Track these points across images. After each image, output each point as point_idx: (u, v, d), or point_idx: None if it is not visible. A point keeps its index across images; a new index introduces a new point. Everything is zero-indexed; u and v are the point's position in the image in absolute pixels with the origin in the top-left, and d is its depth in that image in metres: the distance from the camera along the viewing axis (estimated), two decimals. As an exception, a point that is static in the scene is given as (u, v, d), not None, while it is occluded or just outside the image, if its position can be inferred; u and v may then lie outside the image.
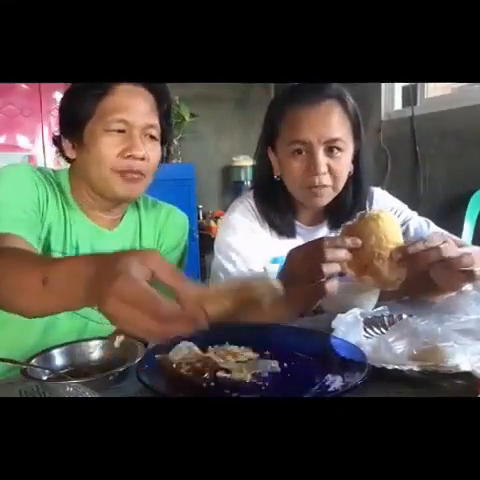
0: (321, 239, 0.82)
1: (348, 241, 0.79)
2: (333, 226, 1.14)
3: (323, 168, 0.98)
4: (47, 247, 0.96)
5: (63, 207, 0.99)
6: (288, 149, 1.01)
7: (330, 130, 0.98)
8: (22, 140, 3.37)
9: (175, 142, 4.00)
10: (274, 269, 1.14)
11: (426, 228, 1.09)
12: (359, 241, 0.79)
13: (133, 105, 0.94)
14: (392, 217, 0.84)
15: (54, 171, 1.03)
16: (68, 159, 1.01)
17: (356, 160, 1.08)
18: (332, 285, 0.79)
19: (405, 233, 1.08)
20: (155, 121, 0.97)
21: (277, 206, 1.11)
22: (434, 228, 1.08)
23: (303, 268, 0.82)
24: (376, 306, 0.92)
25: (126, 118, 0.92)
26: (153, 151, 0.97)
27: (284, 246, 1.13)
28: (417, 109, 2.99)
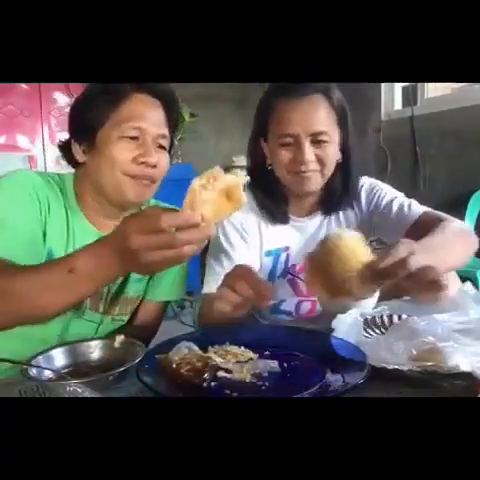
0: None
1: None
2: (324, 215, 1.17)
3: (310, 156, 1.03)
4: (49, 255, 0.96)
5: (66, 213, 0.99)
6: (277, 141, 1.06)
7: (316, 124, 1.02)
8: (22, 140, 3.37)
9: (175, 142, 4.01)
10: (267, 262, 1.15)
11: (407, 210, 1.09)
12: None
13: (148, 114, 0.97)
14: (354, 235, 0.82)
15: (59, 175, 1.03)
16: (75, 163, 1.02)
17: (344, 148, 1.11)
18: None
19: (387, 214, 1.10)
20: (165, 132, 1.00)
21: (270, 193, 1.15)
22: (416, 210, 1.08)
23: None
24: (376, 306, 0.92)
25: (141, 126, 0.95)
26: (163, 159, 0.99)
27: (277, 237, 1.15)
28: (417, 109, 2.99)
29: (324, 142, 1.03)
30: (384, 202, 1.12)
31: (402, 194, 1.15)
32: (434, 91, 3.03)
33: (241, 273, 0.79)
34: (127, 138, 0.94)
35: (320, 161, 1.04)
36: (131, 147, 0.95)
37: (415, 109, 2.99)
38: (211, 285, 1.09)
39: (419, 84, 3.04)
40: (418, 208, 1.08)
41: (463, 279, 1.02)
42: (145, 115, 0.96)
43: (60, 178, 1.02)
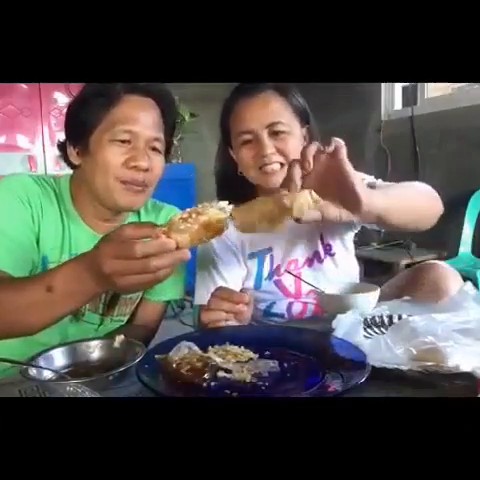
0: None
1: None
2: None
3: (269, 150, 1.03)
4: (43, 261, 0.96)
5: (61, 216, 0.99)
6: (238, 141, 1.07)
7: (269, 115, 1.04)
8: (22, 140, 3.37)
9: (175, 142, 4.01)
10: (252, 265, 1.16)
11: (372, 185, 1.07)
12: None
13: (140, 117, 0.94)
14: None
15: (55, 178, 1.03)
16: (72, 165, 1.01)
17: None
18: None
19: None
20: (160, 134, 0.98)
21: (242, 200, 1.14)
22: (381, 183, 1.07)
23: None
24: (376, 306, 0.92)
25: (132, 129, 0.93)
26: (157, 163, 0.97)
27: (259, 240, 1.16)
28: (417, 109, 2.99)
29: (282, 133, 1.04)
30: None
31: (372, 176, 1.15)
32: (434, 91, 3.03)
33: (216, 293, 0.87)
34: (118, 141, 0.93)
35: (281, 152, 1.04)
36: (122, 151, 0.93)
37: (415, 109, 2.99)
38: (201, 296, 1.12)
39: (419, 84, 3.04)
40: (385, 183, 1.08)
41: (463, 279, 1.02)
42: (137, 118, 0.94)
43: (55, 182, 1.02)
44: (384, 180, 1.22)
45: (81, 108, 0.96)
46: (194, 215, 0.65)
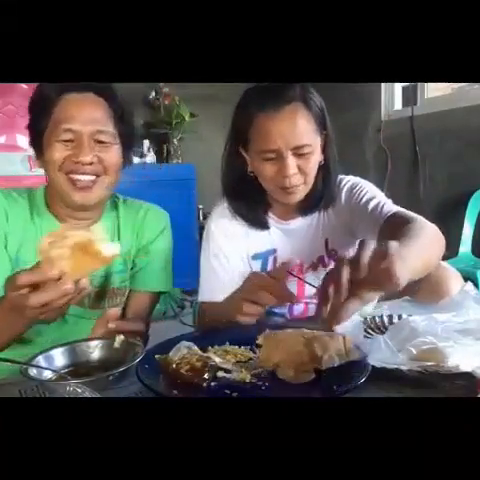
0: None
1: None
2: (306, 214, 1.17)
3: (293, 170, 1.02)
4: (16, 263, 0.99)
5: (34, 223, 1.02)
6: (260, 156, 1.05)
7: (296, 138, 1.01)
8: (22, 140, 3.36)
9: (175, 142, 4.01)
10: (256, 266, 1.16)
11: (380, 209, 1.04)
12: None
13: (79, 114, 0.96)
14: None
15: (31, 190, 1.06)
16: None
17: (324, 149, 1.10)
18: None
19: (363, 213, 1.08)
20: (105, 127, 0.99)
21: (250, 200, 1.14)
22: (387, 209, 1.03)
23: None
24: (376, 306, 0.92)
25: (72, 127, 0.95)
26: (106, 153, 0.99)
27: (263, 241, 1.15)
28: (417, 109, 2.99)
29: (307, 154, 1.02)
30: (363, 201, 1.10)
31: (382, 194, 1.13)
32: (434, 91, 3.03)
33: (259, 282, 0.83)
34: (63, 141, 0.95)
35: (303, 172, 1.04)
36: (67, 148, 0.96)
37: (415, 109, 2.98)
38: (205, 294, 1.13)
39: (419, 84, 3.04)
40: (390, 207, 1.04)
41: (463, 279, 1.02)
42: (75, 115, 0.96)
43: (31, 192, 1.06)
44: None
45: (30, 114, 1.00)
46: (60, 238, 0.68)
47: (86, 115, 0.97)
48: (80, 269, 0.70)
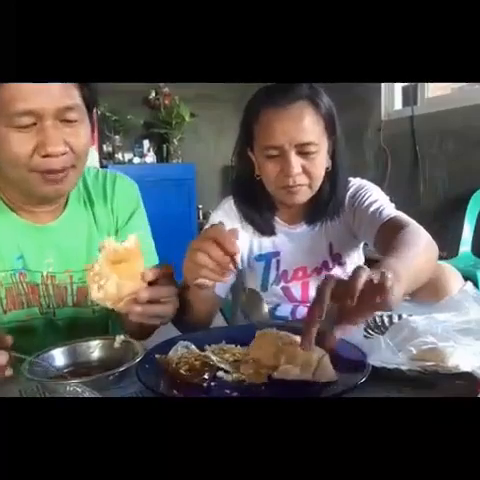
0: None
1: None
2: (312, 222, 1.15)
3: (296, 169, 0.99)
4: None
5: None
6: (263, 153, 1.03)
7: (301, 134, 0.98)
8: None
9: (175, 142, 4.01)
10: (259, 266, 1.15)
11: (379, 212, 1.02)
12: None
13: (39, 88, 0.75)
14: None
15: None
16: None
17: (333, 155, 1.08)
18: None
19: (364, 216, 1.06)
20: (73, 100, 0.80)
21: (257, 205, 1.13)
22: (386, 213, 1.01)
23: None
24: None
25: (32, 107, 0.75)
26: (77, 137, 0.81)
27: (267, 243, 1.15)
28: (417, 109, 2.99)
29: (312, 153, 1.00)
30: (365, 204, 1.09)
31: (387, 198, 1.12)
32: (434, 91, 3.03)
33: (212, 234, 0.71)
34: (19, 128, 0.76)
35: (308, 174, 1.01)
36: (28, 137, 0.76)
37: (415, 109, 2.98)
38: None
39: (419, 84, 3.04)
40: (389, 212, 1.02)
41: (463, 279, 1.02)
42: (35, 91, 0.75)
43: None
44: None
45: None
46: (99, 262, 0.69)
47: (51, 89, 0.76)
48: (126, 275, 0.71)
